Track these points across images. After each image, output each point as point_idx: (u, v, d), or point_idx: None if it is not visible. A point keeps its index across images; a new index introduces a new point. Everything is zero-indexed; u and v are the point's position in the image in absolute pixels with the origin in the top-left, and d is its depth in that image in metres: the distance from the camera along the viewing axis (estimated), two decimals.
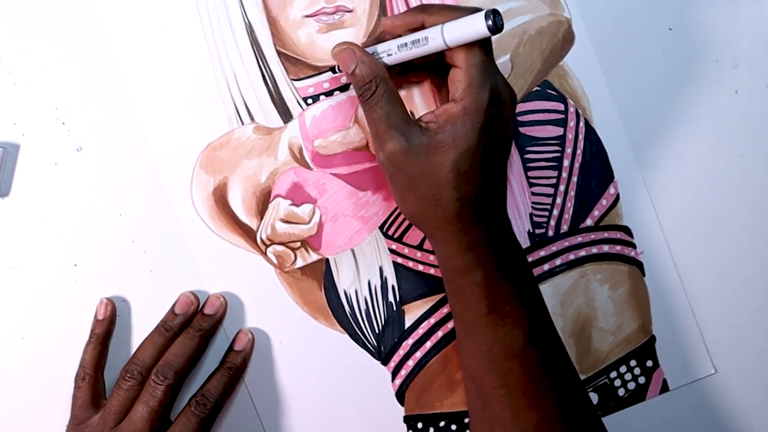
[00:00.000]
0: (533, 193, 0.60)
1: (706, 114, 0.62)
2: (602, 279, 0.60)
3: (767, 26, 0.63)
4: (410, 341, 0.58)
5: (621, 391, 0.60)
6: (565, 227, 0.60)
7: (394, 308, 0.58)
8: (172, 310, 0.56)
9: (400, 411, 0.58)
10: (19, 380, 0.56)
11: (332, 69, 0.58)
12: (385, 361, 0.58)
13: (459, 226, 0.50)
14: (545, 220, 0.60)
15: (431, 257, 0.59)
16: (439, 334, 0.58)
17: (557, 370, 0.51)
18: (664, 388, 0.60)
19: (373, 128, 0.51)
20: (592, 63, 0.61)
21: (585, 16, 0.61)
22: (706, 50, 0.62)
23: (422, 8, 0.51)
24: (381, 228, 0.59)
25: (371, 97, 0.51)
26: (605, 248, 0.60)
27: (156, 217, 0.57)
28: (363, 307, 0.58)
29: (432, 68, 0.56)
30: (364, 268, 0.58)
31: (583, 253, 0.60)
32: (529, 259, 0.59)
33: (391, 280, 0.58)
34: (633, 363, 0.60)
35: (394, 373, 0.58)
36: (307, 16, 0.58)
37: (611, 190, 0.61)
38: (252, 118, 0.58)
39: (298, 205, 0.58)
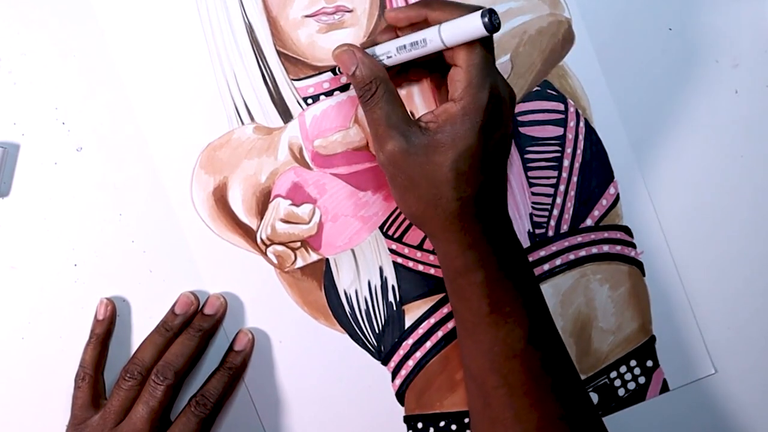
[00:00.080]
0: (533, 193, 0.60)
1: (706, 114, 0.62)
2: (602, 279, 0.60)
3: (767, 26, 0.63)
4: (410, 341, 0.58)
5: (621, 391, 0.60)
6: (565, 227, 0.60)
7: (394, 308, 0.58)
8: (172, 310, 0.56)
9: (400, 411, 0.58)
10: (19, 380, 0.56)
11: (333, 70, 0.58)
12: (385, 361, 0.58)
13: (459, 225, 0.50)
14: (545, 220, 0.60)
15: (431, 257, 0.59)
16: (439, 334, 0.58)
17: (558, 369, 0.51)
18: (664, 388, 0.60)
19: (373, 128, 0.51)
20: (592, 63, 0.61)
21: (585, 16, 0.61)
22: (706, 50, 0.62)
23: (425, 3, 0.51)
24: (381, 228, 0.59)
25: (371, 97, 0.51)
26: (605, 248, 0.60)
27: (156, 217, 0.57)
28: (363, 307, 0.58)
29: (432, 67, 0.56)
30: (364, 268, 0.58)
31: (583, 253, 0.60)
32: (529, 259, 0.59)
33: (391, 280, 0.58)
34: (633, 363, 0.60)
35: (394, 373, 0.58)
36: (307, 16, 0.58)
37: (611, 190, 0.61)
38: (252, 118, 0.58)
39: (298, 205, 0.58)
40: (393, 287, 0.58)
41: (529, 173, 0.60)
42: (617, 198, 0.61)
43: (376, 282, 0.58)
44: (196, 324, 0.56)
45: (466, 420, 0.58)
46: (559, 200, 0.60)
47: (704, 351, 0.61)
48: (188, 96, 0.58)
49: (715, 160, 0.62)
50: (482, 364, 0.51)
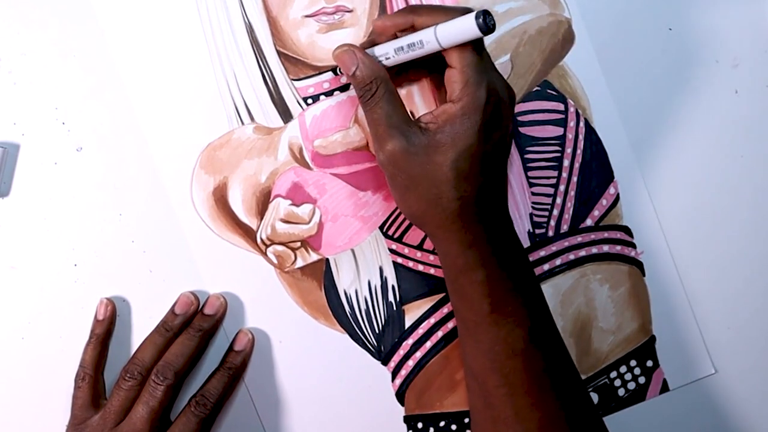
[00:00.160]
0: (533, 193, 0.60)
1: (706, 114, 0.62)
2: (602, 279, 0.60)
3: (767, 26, 0.63)
4: (410, 341, 0.58)
5: (621, 391, 0.60)
6: (565, 227, 0.60)
7: (394, 308, 0.58)
8: (172, 310, 0.56)
9: (400, 411, 0.58)
10: (19, 380, 0.56)
11: (333, 70, 0.58)
12: (385, 361, 0.58)
13: (460, 224, 0.50)
14: (545, 220, 0.60)
15: (431, 257, 0.59)
16: (439, 334, 0.58)
17: (559, 369, 0.51)
18: (664, 388, 0.60)
19: (374, 128, 0.51)
20: (592, 63, 0.61)
21: (585, 16, 0.61)
22: (706, 50, 0.62)
23: (411, 9, 0.52)
24: (381, 228, 0.59)
25: (372, 97, 0.51)
26: (605, 248, 0.60)
27: (156, 217, 0.57)
28: (363, 307, 0.58)
29: (432, 67, 0.56)
30: (364, 268, 0.58)
31: (583, 253, 0.60)
32: (529, 259, 0.59)
33: (391, 280, 0.58)
34: (633, 363, 0.60)
35: (394, 373, 0.58)
36: (307, 16, 0.58)
37: (611, 190, 0.61)
38: (252, 118, 0.58)
39: (298, 205, 0.58)
40: (393, 287, 0.58)
41: (529, 173, 0.60)
42: (617, 198, 0.61)
43: (376, 282, 0.58)
44: (196, 324, 0.56)
45: (466, 420, 0.58)
46: (559, 200, 0.60)
47: (704, 351, 0.61)
48: (188, 96, 0.58)
49: (715, 160, 0.62)
50: (483, 363, 0.51)
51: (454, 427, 0.58)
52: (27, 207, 0.56)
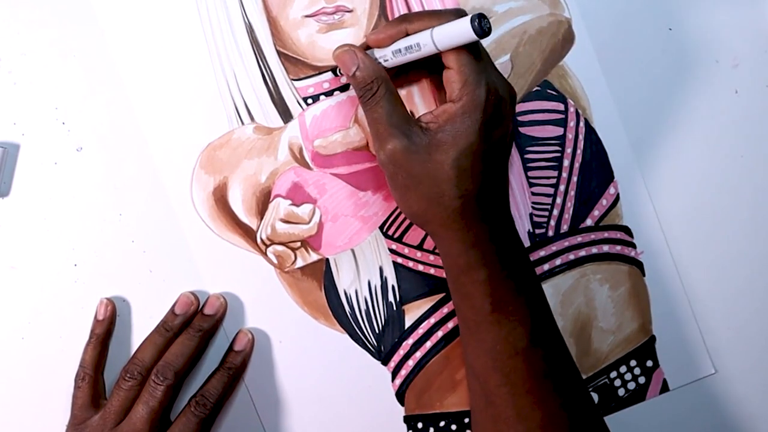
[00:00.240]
0: (533, 193, 0.60)
1: (706, 114, 0.62)
2: (602, 279, 0.60)
3: (767, 26, 0.63)
4: (410, 341, 0.58)
5: (621, 391, 0.60)
6: (565, 227, 0.60)
7: (394, 308, 0.58)
8: (172, 310, 0.56)
9: (400, 411, 0.58)
10: (19, 380, 0.56)
11: (333, 70, 0.58)
12: (385, 361, 0.58)
13: (462, 223, 0.50)
14: (545, 220, 0.60)
15: (431, 257, 0.59)
16: (439, 334, 0.58)
17: (560, 368, 0.52)
18: (664, 388, 0.60)
19: (374, 128, 0.51)
20: (592, 63, 0.61)
21: (585, 16, 0.61)
22: (706, 50, 0.62)
23: (403, 18, 0.52)
24: (381, 228, 0.59)
25: (372, 97, 0.51)
26: (605, 248, 0.60)
27: (156, 217, 0.57)
28: (363, 307, 0.58)
29: (432, 68, 0.56)
30: (364, 268, 0.58)
31: (583, 253, 0.60)
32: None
33: (391, 280, 0.58)
34: (633, 363, 0.60)
35: (394, 373, 0.58)
36: (307, 16, 0.58)
37: (611, 190, 0.61)
38: (252, 118, 0.58)
39: (298, 205, 0.58)
40: (393, 287, 0.58)
41: (529, 173, 0.60)
42: (617, 198, 0.61)
43: (376, 282, 0.58)
44: (196, 324, 0.56)
45: (466, 420, 0.58)
46: (559, 200, 0.60)
47: (704, 351, 0.61)
48: (188, 96, 0.58)
49: (715, 160, 0.62)
50: (485, 362, 0.51)
51: (454, 427, 0.58)
52: (27, 207, 0.56)
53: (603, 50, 0.61)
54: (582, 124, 0.61)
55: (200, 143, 0.58)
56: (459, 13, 0.50)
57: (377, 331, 0.58)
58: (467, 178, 0.49)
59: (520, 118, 0.60)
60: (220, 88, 0.58)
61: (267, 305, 0.58)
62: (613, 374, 0.60)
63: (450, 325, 0.58)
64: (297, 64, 0.58)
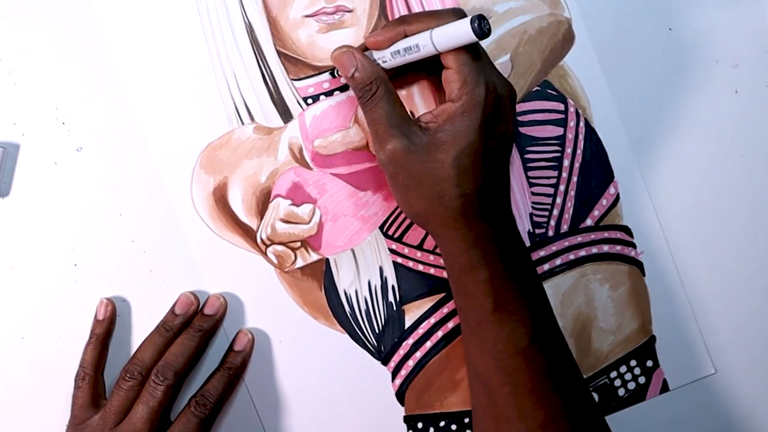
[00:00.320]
0: (533, 193, 0.60)
1: (706, 114, 0.62)
2: (602, 279, 0.60)
3: (767, 26, 0.63)
4: (410, 341, 0.58)
5: (621, 391, 0.60)
6: (565, 227, 0.60)
7: (394, 308, 0.58)
8: (172, 310, 0.56)
9: (400, 411, 0.58)
10: (19, 380, 0.56)
11: (332, 71, 0.58)
12: (385, 361, 0.58)
13: (463, 222, 0.50)
14: (545, 220, 0.60)
15: (431, 257, 0.59)
16: (439, 334, 0.58)
17: (561, 368, 0.52)
18: (664, 388, 0.60)
19: (374, 129, 0.51)
20: (592, 63, 0.61)
21: (585, 16, 0.61)
22: (706, 50, 0.62)
23: (401, 20, 0.52)
24: (381, 228, 0.59)
25: (371, 98, 0.51)
26: (605, 248, 0.60)
27: (156, 217, 0.57)
28: (363, 307, 0.58)
29: (431, 68, 0.56)
30: (364, 268, 0.58)
31: (583, 253, 0.60)
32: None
33: (391, 280, 0.58)
34: (633, 363, 0.60)
35: (394, 373, 0.58)
36: (307, 16, 0.58)
37: (611, 190, 0.61)
38: (252, 118, 0.58)
39: (298, 205, 0.58)
40: (393, 287, 0.58)
41: (529, 173, 0.60)
42: (617, 198, 0.61)
43: (376, 282, 0.58)
44: (196, 324, 0.56)
45: (467, 420, 0.58)
46: (559, 200, 0.60)
47: (704, 351, 0.61)
48: (188, 96, 0.58)
49: (715, 160, 0.62)
50: (486, 362, 0.51)
51: (454, 427, 0.58)
52: (27, 207, 0.56)
53: (603, 50, 0.61)
54: (582, 124, 0.61)
55: (200, 143, 0.58)
56: (457, 14, 0.50)
57: (377, 331, 0.58)
58: (468, 177, 0.49)
59: (520, 118, 0.60)
60: (220, 88, 0.58)
61: (267, 305, 0.58)
62: (613, 374, 0.60)
63: (450, 325, 0.58)
64: (297, 64, 0.58)
